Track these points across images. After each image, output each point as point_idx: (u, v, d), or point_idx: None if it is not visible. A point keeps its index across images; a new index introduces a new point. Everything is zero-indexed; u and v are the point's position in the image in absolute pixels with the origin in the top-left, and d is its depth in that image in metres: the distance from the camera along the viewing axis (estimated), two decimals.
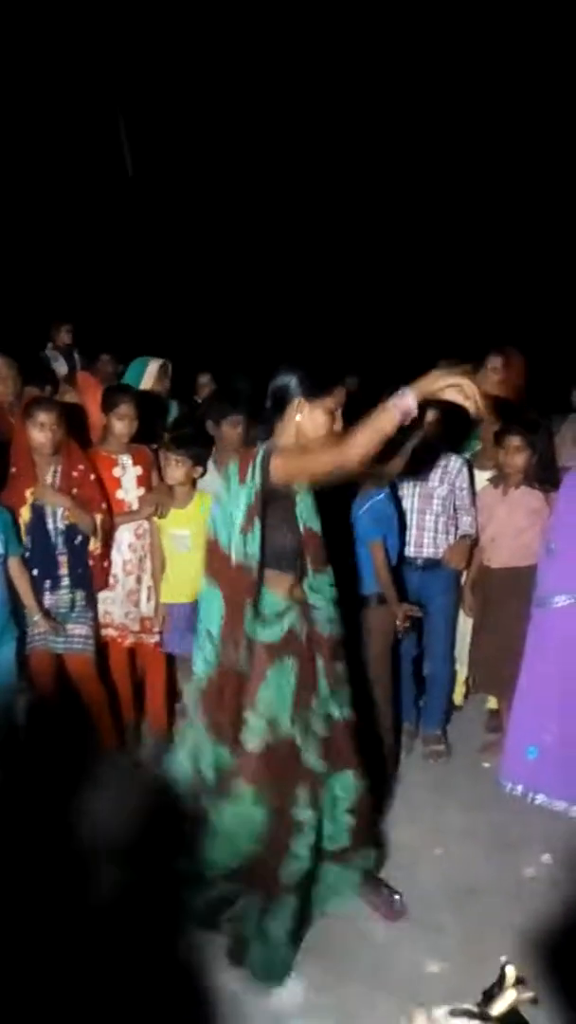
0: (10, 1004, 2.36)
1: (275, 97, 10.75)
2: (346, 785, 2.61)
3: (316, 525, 2.55)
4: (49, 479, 3.49)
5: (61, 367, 6.44)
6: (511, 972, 1.18)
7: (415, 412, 2.16)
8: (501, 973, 1.18)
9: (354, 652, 2.70)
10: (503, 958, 1.23)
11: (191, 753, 2.54)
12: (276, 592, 2.51)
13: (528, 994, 1.16)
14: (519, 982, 1.17)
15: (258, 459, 2.41)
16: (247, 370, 5.60)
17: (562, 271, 10.05)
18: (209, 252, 11.12)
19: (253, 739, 2.46)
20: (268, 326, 9.09)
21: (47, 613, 3.44)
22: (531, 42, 9.88)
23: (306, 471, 2.42)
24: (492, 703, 4.11)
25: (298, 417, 2.47)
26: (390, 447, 2.25)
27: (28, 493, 3.41)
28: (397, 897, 2.82)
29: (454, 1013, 1.11)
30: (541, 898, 2.91)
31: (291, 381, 2.47)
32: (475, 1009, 1.13)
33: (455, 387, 2.13)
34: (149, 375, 4.95)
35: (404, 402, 2.14)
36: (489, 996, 1.17)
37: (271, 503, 2.45)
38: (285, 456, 2.40)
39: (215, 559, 2.51)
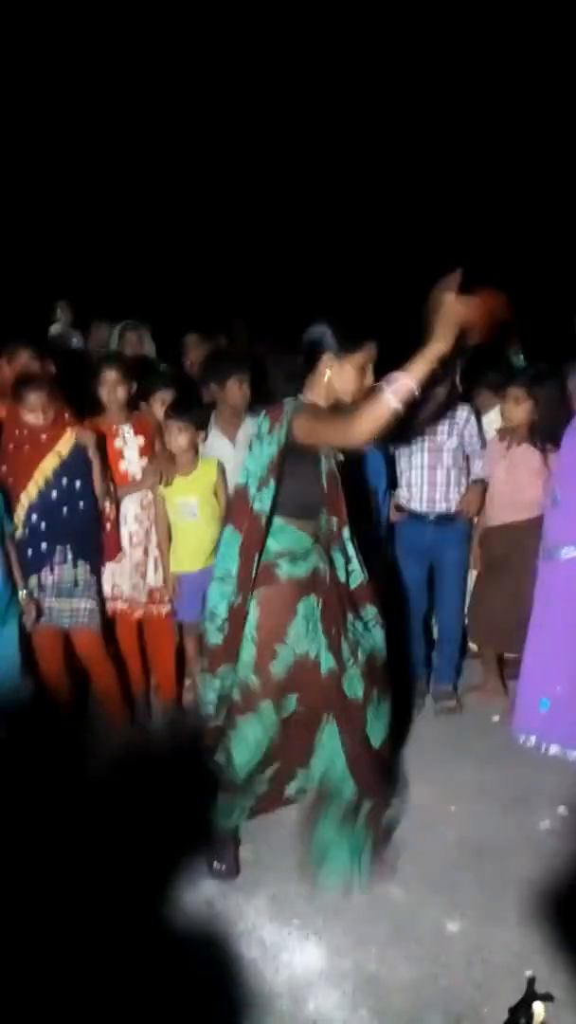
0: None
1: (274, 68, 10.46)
2: (380, 715, 2.71)
3: (338, 482, 2.65)
4: None
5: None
6: (539, 1009, 1.16)
7: (417, 392, 2.23)
8: (528, 992, 1.17)
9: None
10: (528, 973, 1.22)
11: (216, 686, 2.71)
12: (303, 532, 2.65)
13: None
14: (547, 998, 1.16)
15: (285, 416, 2.51)
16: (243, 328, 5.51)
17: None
18: (204, 211, 10.89)
19: (279, 667, 2.64)
20: (259, 284, 8.97)
21: (31, 594, 3.43)
22: (532, 29, 9.55)
23: (321, 438, 2.52)
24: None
25: (328, 372, 2.53)
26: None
27: (64, 440, 3.39)
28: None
29: None
30: (558, 851, 2.94)
31: (323, 335, 2.53)
32: None
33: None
34: (124, 340, 4.90)
35: (404, 388, 2.22)
36: (514, 1014, 1.17)
37: (299, 457, 2.54)
38: (306, 418, 2.49)
39: (239, 505, 2.65)
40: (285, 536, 2.63)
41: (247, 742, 2.68)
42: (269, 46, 10.41)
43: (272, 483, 2.54)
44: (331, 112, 10.91)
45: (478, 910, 2.66)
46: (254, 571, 2.61)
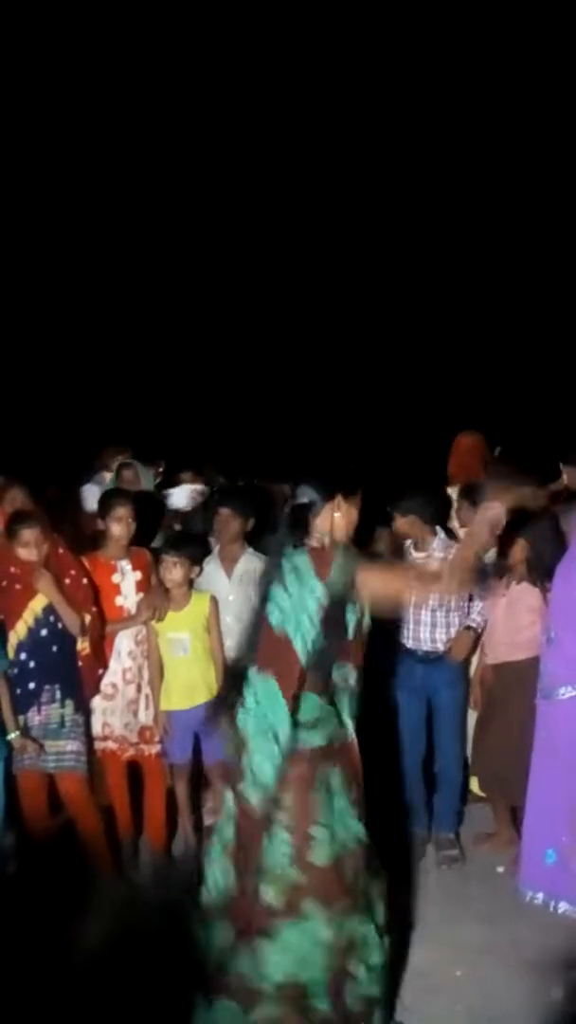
0: None
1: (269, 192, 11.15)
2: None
3: (356, 630, 2.56)
4: None
5: None
6: None
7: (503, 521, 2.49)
8: None
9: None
10: None
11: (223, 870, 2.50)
12: (314, 694, 2.48)
13: None
14: None
15: (339, 562, 2.45)
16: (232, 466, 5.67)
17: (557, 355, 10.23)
18: (194, 349, 11.37)
19: (322, 853, 2.40)
20: (250, 419, 9.28)
21: (25, 732, 3.34)
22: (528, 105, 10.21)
23: (396, 595, 2.71)
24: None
25: (337, 514, 2.57)
26: None
27: (38, 586, 3.34)
28: None
29: None
30: (571, 1021, 2.73)
31: (325, 481, 2.61)
32: None
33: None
34: (120, 478, 4.99)
35: (494, 513, 2.45)
36: None
37: (331, 606, 2.46)
38: (380, 575, 2.58)
39: (279, 652, 2.45)
40: (303, 700, 2.45)
41: (290, 951, 2.37)
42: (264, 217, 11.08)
43: (322, 634, 2.42)
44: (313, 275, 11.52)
45: None
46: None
